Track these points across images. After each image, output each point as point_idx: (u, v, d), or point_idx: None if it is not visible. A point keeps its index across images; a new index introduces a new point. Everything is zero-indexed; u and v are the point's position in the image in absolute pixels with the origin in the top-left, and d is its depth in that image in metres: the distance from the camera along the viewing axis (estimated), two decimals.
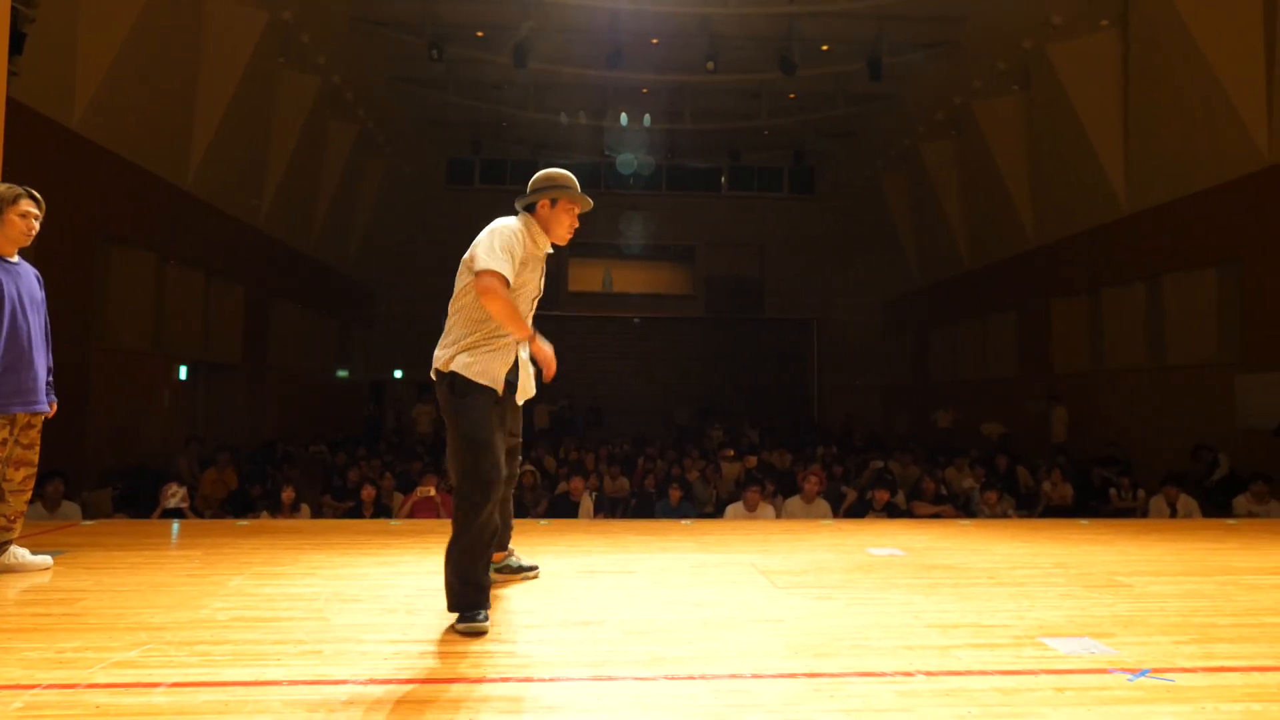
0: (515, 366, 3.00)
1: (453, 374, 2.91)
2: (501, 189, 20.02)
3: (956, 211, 16.89)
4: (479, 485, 2.81)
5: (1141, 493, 8.37)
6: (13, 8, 6.19)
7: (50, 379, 3.62)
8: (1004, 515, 7.21)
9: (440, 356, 2.96)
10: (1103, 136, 12.01)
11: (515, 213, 3.14)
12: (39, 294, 3.59)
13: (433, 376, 3.02)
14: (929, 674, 2.35)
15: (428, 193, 20.49)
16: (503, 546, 3.39)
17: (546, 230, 3.11)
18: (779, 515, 6.73)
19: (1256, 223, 9.71)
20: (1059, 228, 13.67)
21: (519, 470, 3.59)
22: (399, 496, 7.62)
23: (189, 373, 12.59)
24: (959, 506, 7.99)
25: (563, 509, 7.42)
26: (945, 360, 18.63)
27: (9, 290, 3.41)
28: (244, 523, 5.62)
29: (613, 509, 8.31)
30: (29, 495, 3.60)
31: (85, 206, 9.27)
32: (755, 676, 2.33)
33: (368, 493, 7.16)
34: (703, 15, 12.78)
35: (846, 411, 20.18)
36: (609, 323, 22.20)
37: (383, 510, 7.39)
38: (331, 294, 17.75)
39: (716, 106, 16.98)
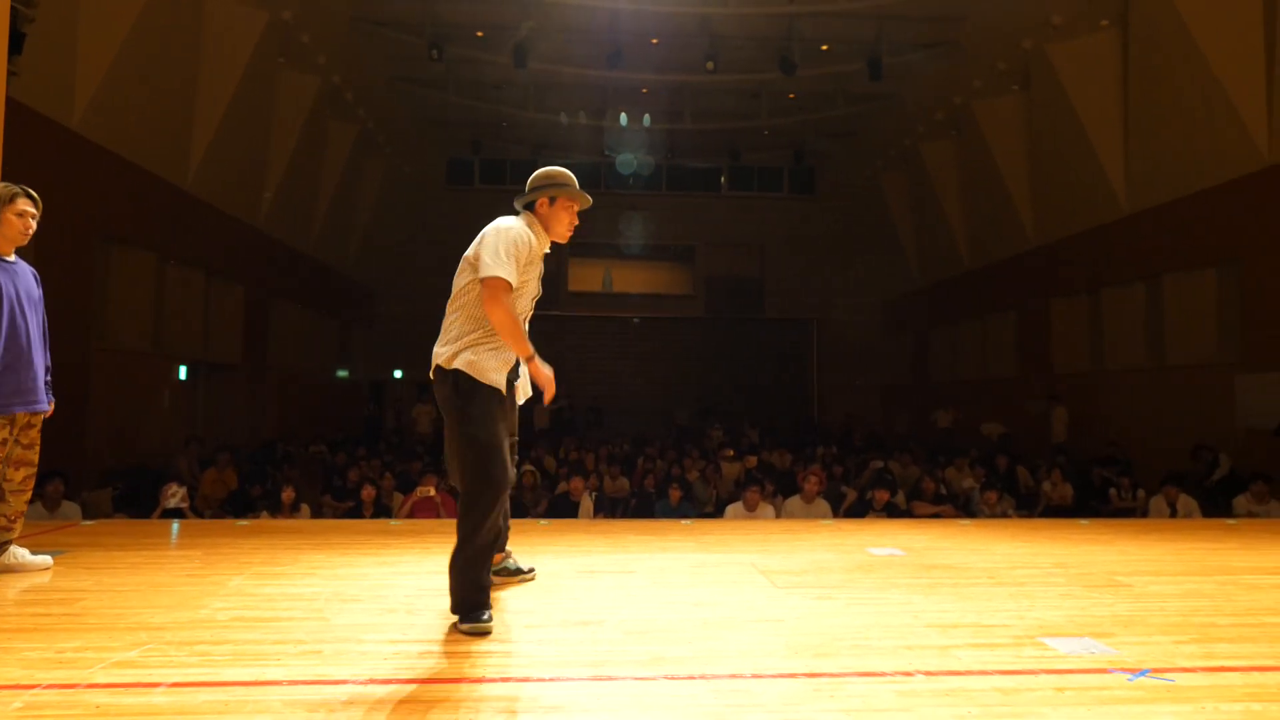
0: (516, 365, 3.01)
1: (457, 372, 2.88)
2: (501, 189, 20.03)
3: (956, 211, 16.90)
4: (488, 487, 2.81)
5: (1141, 493, 8.37)
6: (13, 8, 6.19)
7: (48, 378, 3.62)
8: (1004, 515, 7.21)
9: (442, 354, 2.93)
10: (1103, 136, 12.01)
11: (514, 212, 3.13)
12: (36, 292, 3.59)
13: (431, 375, 3.00)
14: (929, 674, 2.35)
15: (428, 193, 20.50)
16: (500, 548, 3.39)
17: (546, 228, 3.11)
18: (779, 515, 6.73)
19: (1256, 223, 9.71)
20: (1059, 228, 13.67)
21: (518, 470, 3.60)
22: (399, 496, 7.62)
23: (189, 373, 12.59)
24: (959, 506, 7.99)
25: (563, 509, 7.42)
26: (945, 360, 18.63)
27: (7, 290, 3.40)
28: (244, 523, 5.62)
29: (613, 509, 8.30)
30: (29, 495, 3.60)
31: (85, 206, 9.27)
32: (755, 676, 2.33)
33: (368, 493, 7.16)
34: (703, 15, 12.78)
35: (846, 411, 20.18)
36: (609, 323, 22.20)
37: (383, 510, 7.39)
38: (331, 294, 17.75)
39: (716, 106, 16.98)
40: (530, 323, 3.15)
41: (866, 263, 21.30)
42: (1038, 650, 2.57)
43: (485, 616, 2.75)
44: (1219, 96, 9.80)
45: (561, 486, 8.28)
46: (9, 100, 4.68)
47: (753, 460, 10.34)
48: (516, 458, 3.40)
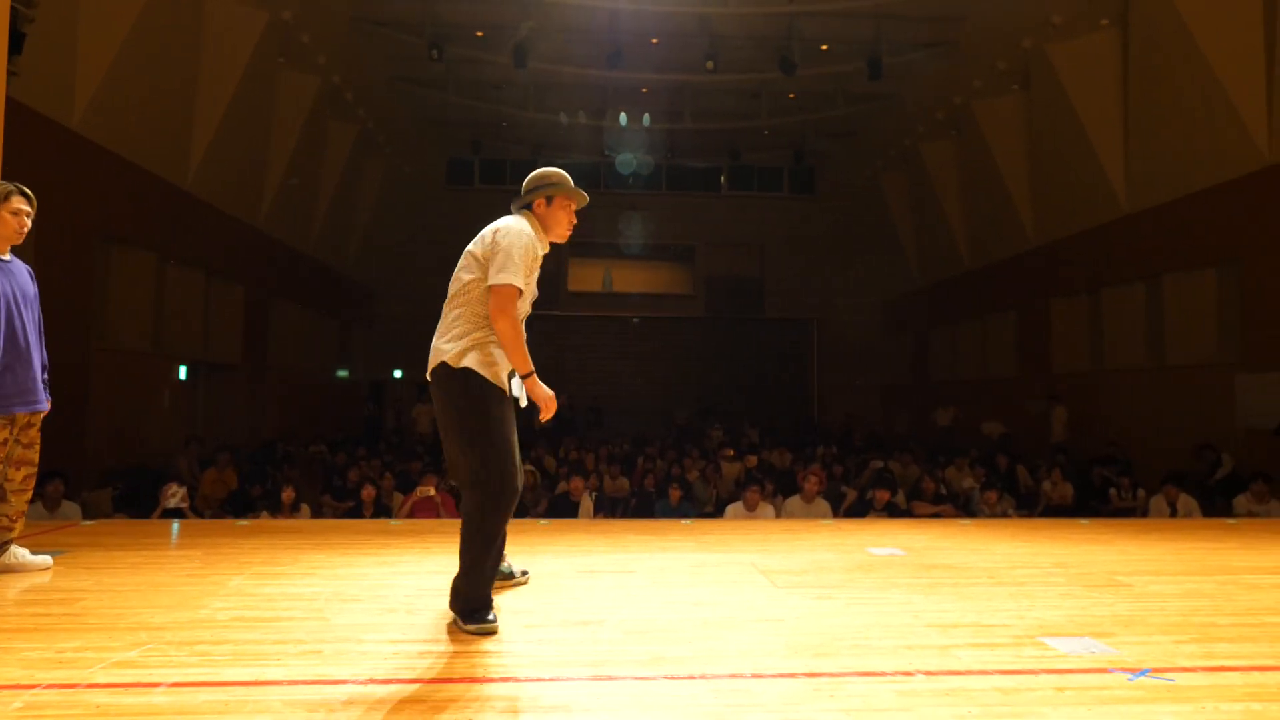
0: None
1: (468, 371, 2.84)
2: (501, 189, 20.02)
3: (956, 211, 16.89)
4: (503, 491, 2.80)
5: (1141, 492, 8.37)
6: (13, 8, 6.19)
7: (46, 377, 3.62)
8: (1004, 515, 7.21)
9: (449, 350, 2.87)
10: (1103, 136, 12.01)
11: (511, 213, 3.12)
12: (32, 291, 3.57)
13: (432, 372, 2.94)
14: (929, 673, 2.35)
15: (428, 193, 20.50)
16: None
17: (545, 229, 3.11)
18: (779, 515, 6.73)
19: (1256, 223, 9.71)
20: (1059, 228, 13.67)
21: None
22: (399, 496, 7.62)
23: (189, 373, 12.59)
24: (959, 506, 7.99)
25: (563, 509, 7.42)
26: (945, 360, 18.63)
27: (4, 290, 3.39)
28: (244, 523, 5.62)
29: (613, 509, 8.31)
30: (30, 495, 3.60)
31: (85, 206, 9.27)
32: (755, 676, 2.33)
33: (368, 493, 7.16)
34: (702, 15, 12.78)
35: (846, 411, 20.18)
36: (609, 323, 22.20)
37: (383, 510, 7.39)
38: (331, 294, 17.75)
39: (716, 106, 16.98)
40: (530, 323, 3.13)
41: (866, 263, 21.30)
42: (1038, 650, 2.57)
43: (490, 616, 2.75)
44: (1219, 96, 9.80)
45: (561, 486, 8.28)
46: (9, 100, 4.68)
47: (753, 460, 10.34)
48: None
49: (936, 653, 2.54)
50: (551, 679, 2.31)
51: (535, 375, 2.92)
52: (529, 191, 3.11)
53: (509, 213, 3.13)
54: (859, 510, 7.07)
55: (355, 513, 7.28)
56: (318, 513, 7.52)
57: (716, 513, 7.78)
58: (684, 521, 5.86)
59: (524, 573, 3.49)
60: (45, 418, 3.64)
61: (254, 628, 2.74)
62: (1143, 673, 2.35)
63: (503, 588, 3.36)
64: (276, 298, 14.83)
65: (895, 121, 16.87)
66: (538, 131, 18.38)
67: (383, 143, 17.15)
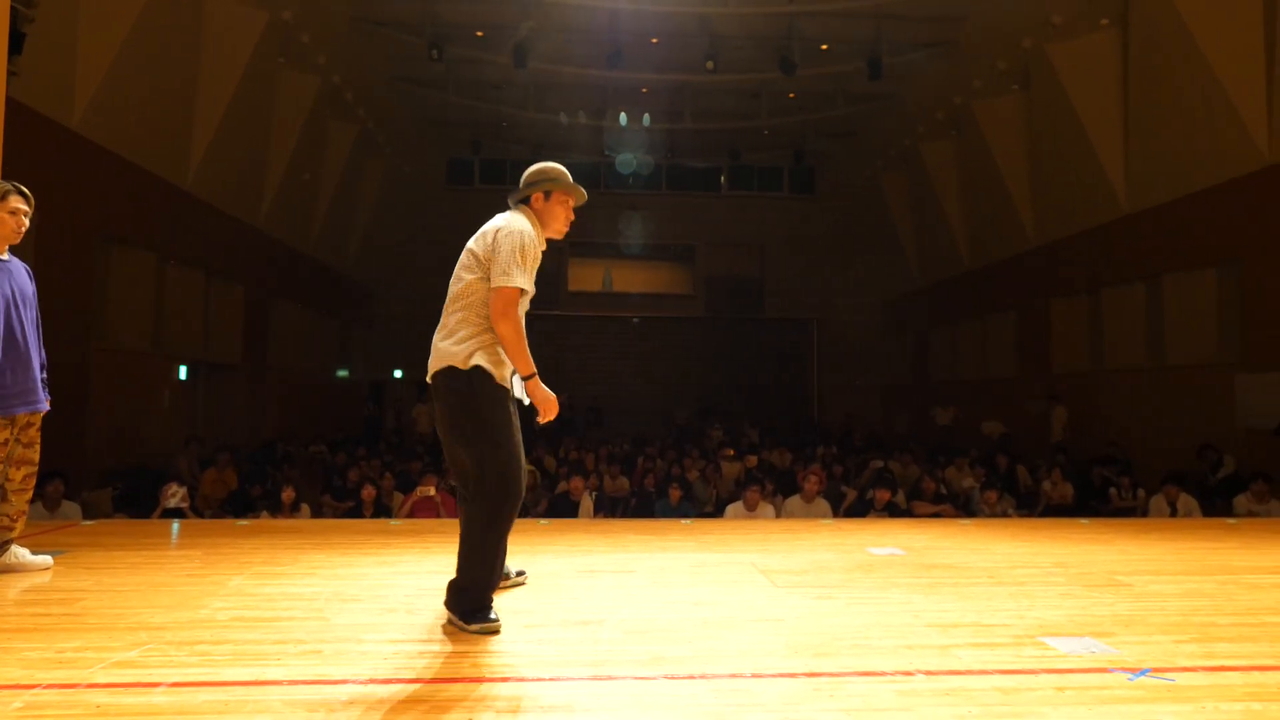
0: None
1: (478, 372, 2.81)
2: (501, 189, 19.88)
3: (956, 211, 16.89)
4: (512, 494, 2.80)
5: (1141, 492, 8.37)
6: (13, 8, 6.19)
7: (44, 376, 3.61)
8: (1004, 515, 7.21)
9: (457, 352, 2.83)
10: (1103, 136, 12.01)
11: (509, 208, 3.09)
12: (30, 290, 3.57)
13: (435, 373, 2.91)
14: (929, 673, 2.35)
15: (428, 193, 20.50)
16: None
17: (543, 224, 3.09)
18: (779, 515, 6.73)
19: (1256, 223, 9.71)
20: (1059, 228, 13.67)
21: None
22: (399, 496, 7.62)
23: (189, 373, 12.59)
24: (959, 506, 7.99)
25: (563, 509, 7.42)
26: (945, 360, 18.63)
27: (3, 290, 3.39)
28: (244, 523, 5.62)
29: (613, 509, 8.30)
30: (30, 494, 3.60)
31: (85, 206, 9.27)
32: (755, 676, 2.33)
33: (368, 493, 7.15)
34: (702, 15, 12.77)
35: (846, 411, 20.18)
36: (609, 322, 22.20)
37: (383, 510, 7.39)
38: (331, 294, 17.75)
39: (716, 106, 16.98)
40: (529, 323, 3.11)
41: (866, 263, 21.30)
42: (1038, 650, 2.57)
43: (494, 616, 2.76)
44: (1219, 96, 9.80)
45: (561, 486, 8.28)
46: (9, 100, 4.68)
47: (753, 460, 10.34)
48: None
49: (936, 652, 2.54)
50: (551, 679, 2.31)
51: (537, 377, 2.90)
52: (527, 186, 3.09)
53: (507, 208, 3.11)
54: (859, 510, 7.07)
55: (355, 513, 7.28)
56: (318, 513, 7.52)
57: (716, 513, 7.78)
58: (684, 521, 5.86)
59: (520, 573, 3.48)
60: (45, 418, 3.64)
61: (254, 628, 2.74)
62: (1143, 672, 2.35)
63: (501, 588, 3.35)
64: (276, 298, 14.83)
65: (895, 121, 16.86)
66: (538, 131, 18.37)
67: (383, 143, 17.15)
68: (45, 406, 3.58)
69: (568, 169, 3.15)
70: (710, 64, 13.21)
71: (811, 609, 3.08)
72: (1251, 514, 6.94)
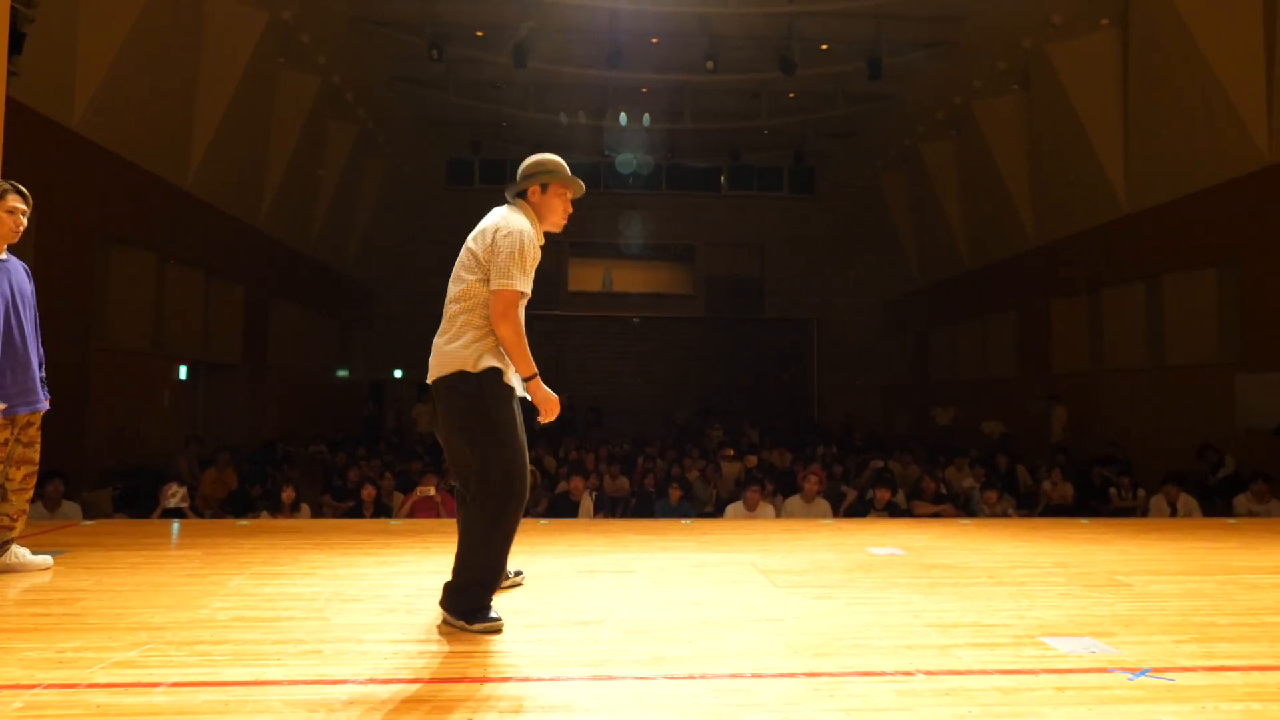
0: None
1: (491, 373, 2.80)
2: (501, 189, 19.77)
3: (956, 211, 16.89)
4: (518, 496, 2.79)
5: (1142, 492, 8.37)
6: (13, 8, 6.19)
7: (43, 374, 3.61)
8: (1004, 515, 7.21)
9: (466, 356, 2.80)
10: (1103, 136, 12.01)
11: (505, 202, 3.07)
12: (29, 289, 3.56)
13: (440, 375, 2.87)
14: (929, 673, 2.35)
15: (428, 193, 20.50)
16: None
17: (540, 218, 3.05)
18: (779, 515, 6.73)
19: (1256, 222, 9.71)
20: (1059, 228, 13.67)
21: None
22: (399, 496, 7.62)
23: (189, 373, 12.59)
24: (959, 506, 7.99)
25: (563, 508, 7.42)
26: (945, 360, 18.63)
27: (2, 290, 3.39)
28: (244, 523, 5.62)
29: (613, 508, 8.30)
30: (31, 494, 3.60)
31: (85, 206, 9.27)
32: (755, 676, 2.33)
33: (368, 492, 7.16)
34: (702, 15, 12.77)
35: (846, 411, 20.17)
36: (609, 322, 22.20)
37: (383, 510, 7.39)
38: (331, 294, 17.75)
39: (716, 106, 16.98)
40: (529, 323, 3.09)
41: (866, 263, 21.30)
42: (1038, 650, 2.57)
43: (495, 615, 2.76)
44: (1219, 96, 9.80)
45: (561, 486, 8.28)
46: (9, 100, 4.68)
47: (753, 460, 10.34)
48: None
49: (936, 652, 2.54)
50: (551, 679, 2.31)
51: (538, 377, 2.88)
52: (524, 179, 3.05)
53: (504, 201, 3.08)
54: (859, 510, 7.07)
55: (355, 513, 7.28)
56: (318, 513, 7.52)
57: (716, 512, 7.78)
58: (684, 521, 5.86)
59: (518, 573, 3.47)
60: (45, 417, 3.63)
61: (254, 628, 2.74)
62: (1143, 672, 2.35)
63: (500, 589, 3.35)
64: (276, 298, 14.83)
65: (895, 121, 16.86)
66: (538, 131, 18.37)
67: (383, 143, 17.15)
68: (44, 406, 3.58)
69: (561, 159, 3.11)
70: (710, 64, 13.21)
71: (811, 609, 3.08)
72: (1251, 514, 6.95)
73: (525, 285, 2.85)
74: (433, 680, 2.29)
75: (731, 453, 11.04)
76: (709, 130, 18.01)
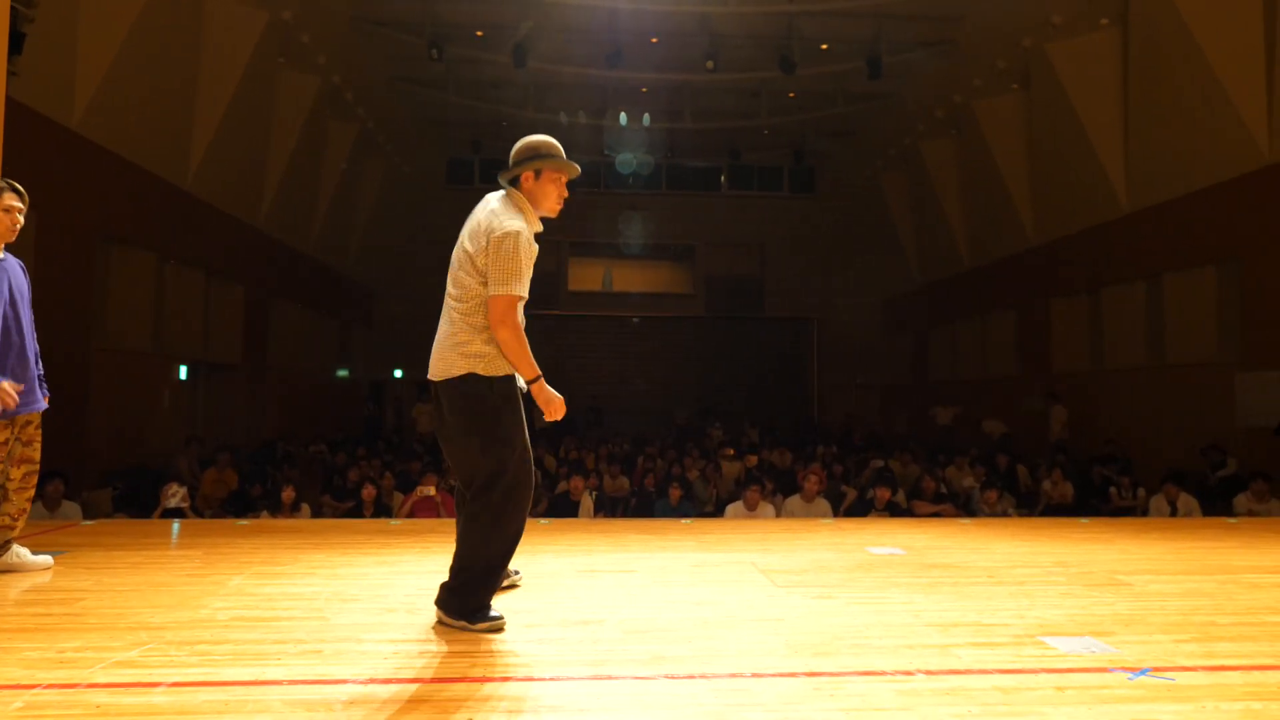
0: None
1: (503, 376, 2.79)
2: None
3: (956, 211, 16.89)
4: (523, 490, 2.79)
5: (1142, 491, 8.37)
6: (13, 8, 6.19)
7: (41, 371, 3.61)
8: (1004, 514, 7.21)
9: (476, 357, 2.77)
10: (1103, 136, 12.01)
11: (499, 186, 3.03)
12: (26, 287, 3.55)
13: (439, 381, 2.84)
14: (929, 673, 2.35)
15: (428, 193, 20.49)
16: None
17: (535, 204, 2.96)
18: (779, 514, 6.73)
19: (1256, 222, 9.71)
20: (1059, 227, 13.67)
21: None
22: (399, 496, 7.62)
23: (189, 373, 12.59)
24: (959, 505, 7.99)
25: (563, 508, 7.42)
26: (945, 360, 18.63)
27: (1, 290, 3.39)
28: (244, 523, 5.63)
29: (613, 508, 8.31)
30: (31, 493, 3.59)
31: (85, 206, 9.27)
32: (755, 675, 2.33)
33: (368, 492, 7.16)
34: (702, 14, 12.77)
35: (846, 411, 20.17)
36: (609, 322, 22.19)
37: (383, 510, 7.39)
38: (331, 294, 17.75)
39: (716, 106, 16.97)
40: (527, 322, 3.07)
41: (866, 262, 21.30)
42: (1038, 649, 2.57)
43: (496, 614, 2.76)
44: (1219, 96, 9.80)
45: (561, 486, 8.28)
46: (9, 100, 4.68)
47: (753, 459, 10.34)
48: None
49: (937, 652, 2.54)
50: (552, 678, 2.31)
51: (542, 379, 2.84)
52: (516, 164, 2.98)
53: (498, 186, 3.03)
54: (859, 510, 7.07)
55: (355, 513, 7.28)
56: (318, 513, 7.52)
57: (717, 512, 7.78)
58: (684, 521, 5.86)
59: (516, 573, 3.46)
60: (45, 417, 3.63)
61: (254, 628, 2.74)
62: (1143, 672, 2.35)
63: (499, 589, 3.35)
64: (276, 298, 14.83)
65: (895, 121, 16.86)
66: (538, 131, 18.24)
67: (383, 143, 17.15)
68: (44, 405, 3.58)
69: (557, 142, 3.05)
70: (710, 63, 13.21)
71: (811, 609, 3.08)
72: (1251, 513, 6.95)
73: (524, 289, 2.81)
74: (433, 680, 2.29)
75: (731, 452, 11.03)
76: (709, 130, 18.00)
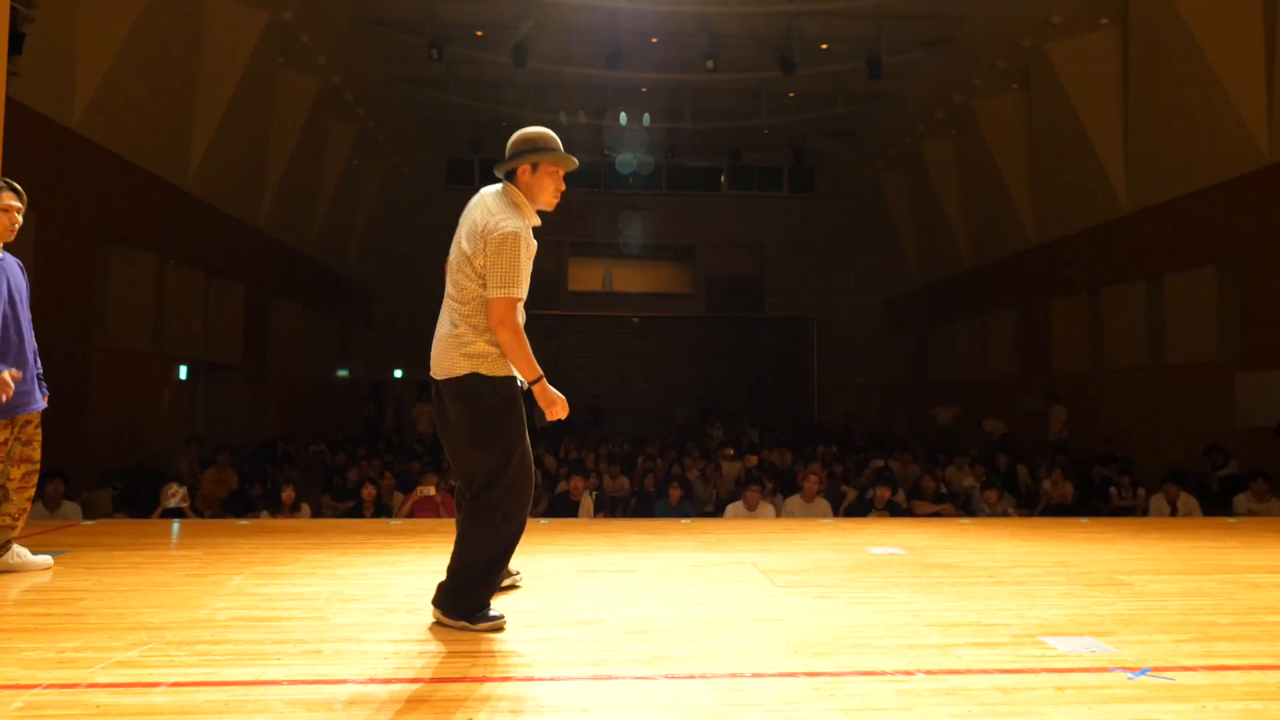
0: None
1: (505, 376, 2.78)
2: None
3: (956, 211, 16.89)
4: (524, 491, 2.79)
5: (1142, 491, 8.37)
6: (12, 8, 6.19)
7: (39, 370, 3.61)
8: (1004, 514, 7.21)
9: (480, 358, 2.76)
10: (1103, 136, 12.01)
11: (496, 179, 3.01)
12: (25, 286, 3.54)
13: (442, 380, 2.83)
14: (929, 673, 2.35)
15: (428, 193, 20.48)
16: None
17: (531, 198, 2.93)
18: (779, 514, 6.73)
19: (1256, 222, 9.71)
20: (1059, 227, 13.67)
21: None
22: (399, 496, 7.62)
23: (189, 373, 12.59)
24: (959, 505, 7.99)
25: (563, 508, 7.42)
26: (945, 360, 18.63)
27: (1, 291, 3.38)
28: (244, 523, 5.63)
29: (613, 508, 8.31)
30: (31, 492, 3.59)
31: (85, 206, 9.27)
32: (755, 675, 2.33)
33: (368, 492, 7.16)
34: (702, 14, 12.77)
35: (846, 411, 20.18)
36: (609, 322, 22.20)
37: (383, 510, 7.39)
38: (331, 294, 17.75)
39: (716, 106, 16.97)
40: (527, 322, 3.04)
41: (866, 262, 21.30)
42: (1038, 649, 2.57)
43: (496, 613, 2.77)
44: (1219, 96, 9.80)
45: (561, 485, 8.28)
46: (9, 100, 4.68)
47: (753, 459, 10.34)
48: None
49: (936, 652, 2.54)
50: (552, 679, 2.31)
51: (544, 379, 2.82)
52: (512, 157, 2.93)
53: (495, 180, 3.01)
54: (860, 509, 7.07)
55: (355, 513, 7.28)
56: (318, 513, 7.52)
57: (717, 512, 7.79)
58: (684, 521, 5.86)
59: (516, 573, 3.46)
60: (45, 417, 3.63)
61: (254, 628, 2.74)
62: (1143, 672, 2.35)
63: (499, 589, 3.35)
64: (276, 298, 14.83)
65: (895, 121, 16.86)
66: None
67: (383, 142, 17.15)
68: (43, 404, 3.58)
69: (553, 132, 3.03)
70: (710, 63, 13.21)
71: (811, 608, 3.08)
72: (1251, 513, 6.95)
73: (523, 290, 2.80)
74: (433, 680, 2.29)
75: (731, 452, 11.03)
76: (709, 130, 18.00)
